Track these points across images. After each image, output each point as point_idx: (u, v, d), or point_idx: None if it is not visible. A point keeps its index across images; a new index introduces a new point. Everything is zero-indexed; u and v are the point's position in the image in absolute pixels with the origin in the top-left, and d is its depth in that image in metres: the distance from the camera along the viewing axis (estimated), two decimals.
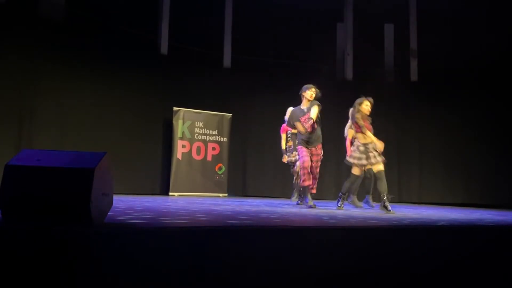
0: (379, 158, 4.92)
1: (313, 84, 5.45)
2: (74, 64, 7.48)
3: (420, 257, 2.46)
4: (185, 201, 5.78)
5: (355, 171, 5.13)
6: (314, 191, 5.27)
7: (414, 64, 9.49)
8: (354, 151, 5.10)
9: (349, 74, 9.55)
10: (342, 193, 5.18)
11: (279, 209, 4.63)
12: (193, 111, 8.54)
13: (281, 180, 9.24)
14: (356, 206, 5.86)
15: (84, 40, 7.62)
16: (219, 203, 5.66)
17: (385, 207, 4.76)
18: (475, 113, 8.99)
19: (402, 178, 9.17)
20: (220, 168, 8.66)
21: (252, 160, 9.22)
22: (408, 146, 9.26)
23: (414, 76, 9.48)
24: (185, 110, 8.45)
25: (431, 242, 2.77)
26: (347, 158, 5.24)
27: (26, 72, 7.06)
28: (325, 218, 3.58)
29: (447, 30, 9.00)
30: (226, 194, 8.70)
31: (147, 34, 8.57)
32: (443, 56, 9.14)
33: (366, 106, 5.20)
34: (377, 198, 5.26)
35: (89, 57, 7.65)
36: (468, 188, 8.83)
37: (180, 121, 8.39)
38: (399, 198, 9.07)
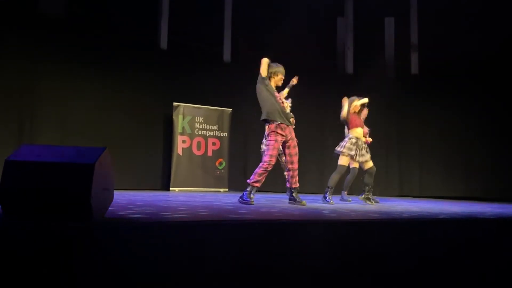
0: (368, 156, 5.23)
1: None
2: (74, 60, 7.46)
3: (422, 250, 2.47)
4: (186, 196, 5.78)
5: (343, 161, 5.23)
6: (297, 184, 4.56)
7: (414, 58, 9.46)
8: (345, 142, 5.29)
9: (349, 68, 9.53)
10: (329, 186, 5.06)
11: (279, 204, 4.63)
12: (193, 106, 8.52)
13: (282, 175, 9.24)
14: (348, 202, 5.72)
15: (83, 36, 7.59)
16: (219, 198, 5.67)
17: (368, 199, 5.15)
18: (476, 106, 8.98)
19: (403, 172, 9.17)
20: (220, 163, 8.65)
21: (253, 155, 9.20)
22: (409, 140, 9.25)
23: (414, 70, 9.46)
24: (185, 105, 8.43)
25: (432, 235, 2.77)
26: (337, 148, 5.32)
27: (26, 69, 7.06)
28: (325, 212, 3.59)
29: (448, 24, 8.96)
30: (227, 189, 8.70)
31: (146, 29, 8.54)
32: (444, 49, 9.11)
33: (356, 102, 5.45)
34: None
35: (89, 52, 7.62)
36: (469, 182, 8.83)
37: (180, 116, 8.38)
38: (400, 191, 9.08)
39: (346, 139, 5.35)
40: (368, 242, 2.47)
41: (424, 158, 9.21)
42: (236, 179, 8.94)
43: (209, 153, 8.61)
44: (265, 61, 4.54)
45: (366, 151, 5.27)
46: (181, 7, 8.59)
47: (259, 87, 4.56)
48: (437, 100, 9.21)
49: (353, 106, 5.42)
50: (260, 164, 4.47)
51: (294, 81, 5.68)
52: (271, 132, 4.47)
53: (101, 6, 7.95)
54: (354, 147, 5.19)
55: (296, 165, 4.53)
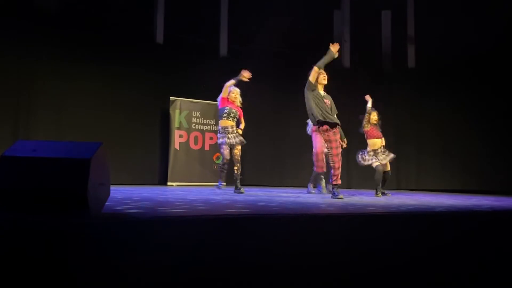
0: (386, 160, 5.92)
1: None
2: (69, 55, 7.42)
3: (419, 243, 2.47)
4: (183, 191, 5.78)
5: (378, 167, 5.88)
6: (340, 181, 4.86)
7: (411, 51, 9.44)
8: (363, 154, 6.04)
9: (346, 61, 9.51)
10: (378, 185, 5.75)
11: (277, 198, 4.64)
12: (190, 101, 8.50)
13: (279, 169, 9.26)
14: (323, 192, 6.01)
15: (79, 31, 7.55)
16: (217, 193, 5.67)
17: (382, 193, 5.75)
18: (472, 99, 8.98)
19: (400, 165, 9.18)
20: (218, 158, 8.64)
21: (250, 149, 9.20)
22: (406, 133, 9.26)
23: (411, 63, 9.45)
24: (181, 99, 8.41)
25: (429, 228, 2.78)
26: (360, 161, 6.09)
27: (22, 64, 7.02)
28: (323, 206, 3.59)
29: (445, 17, 8.93)
30: (224, 184, 8.69)
31: (142, 23, 8.48)
32: (441, 43, 9.09)
33: (373, 116, 6.01)
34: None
35: (84, 47, 7.58)
36: (466, 175, 8.86)
37: (177, 111, 8.36)
38: (397, 185, 9.10)
39: (364, 152, 6.03)
40: (365, 236, 2.48)
41: (421, 151, 9.23)
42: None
43: (206, 148, 8.61)
44: (316, 69, 4.92)
45: (386, 155, 5.95)
46: (177, 1, 8.53)
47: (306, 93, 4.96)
48: (434, 93, 9.21)
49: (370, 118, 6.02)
50: (331, 164, 4.85)
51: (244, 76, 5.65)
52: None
53: (96, 0, 7.89)
54: (374, 157, 5.90)
55: (337, 164, 4.83)
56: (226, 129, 5.79)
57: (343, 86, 8.32)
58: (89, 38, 7.65)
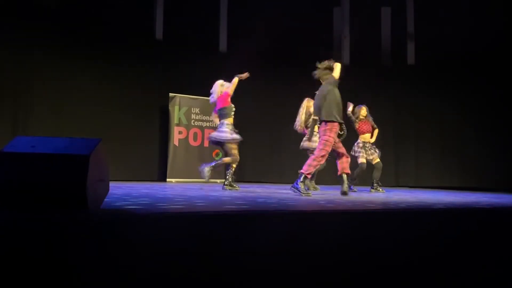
0: (375, 155, 6.29)
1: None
2: (69, 52, 7.40)
3: (418, 240, 2.47)
4: (183, 187, 5.78)
5: (360, 160, 6.26)
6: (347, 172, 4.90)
7: (411, 48, 9.43)
8: (355, 146, 6.37)
9: (346, 58, 9.49)
10: (353, 178, 6.01)
11: (276, 195, 4.64)
12: (189, 97, 8.48)
13: (278, 166, 9.25)
14: (315, 189, 6.08)
15: (78, 28, 7.52)
16: (216, 189, 5.67)
17: (377, 190, 6.09)
18: (472, 96, 8.98)
19: (399, 162, 9.19)
20: (217, 154, 8.63)
21: (249, 146, 9.19)
22: (405, 130, 9.26)
23: (411, 60, 9.44)
24: (181, 96, 8.39)
25: (428, 225, 2.78)
26: (351, 153, 6.22)
27: (21, 60, 7.00)
28: (322, 202, 3.59)
29: (444, 13, 8.92)
30: (224, 180, 8.68)
31: (142, 20, 8.45)
32: (440, 39, 9.08)
33: (363, 112, 6.44)
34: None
35: (84, 44, 7.56)
36: (465, 172, 8.87)
37: (177, 107, 8.34)
38: (396, 182, 9.11)
39: (355, 144, 6.40)
40: (364, 232, 2.48)
41: (420, 149, 9.23)
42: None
43: (206, 144, 8.59)
44: (339, 65, 4.95)
45: (374, 150, 6.34)
46: None
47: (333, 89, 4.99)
48: (433, 90, 9.20)
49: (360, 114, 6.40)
50: (314, 157, 4.66)
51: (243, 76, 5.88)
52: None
53: None
54: (362, 150, 6.28)
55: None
56: (233, 126, 5.94)
57: (342, 83, 8.29)
58: (88, 35, 7.62)
